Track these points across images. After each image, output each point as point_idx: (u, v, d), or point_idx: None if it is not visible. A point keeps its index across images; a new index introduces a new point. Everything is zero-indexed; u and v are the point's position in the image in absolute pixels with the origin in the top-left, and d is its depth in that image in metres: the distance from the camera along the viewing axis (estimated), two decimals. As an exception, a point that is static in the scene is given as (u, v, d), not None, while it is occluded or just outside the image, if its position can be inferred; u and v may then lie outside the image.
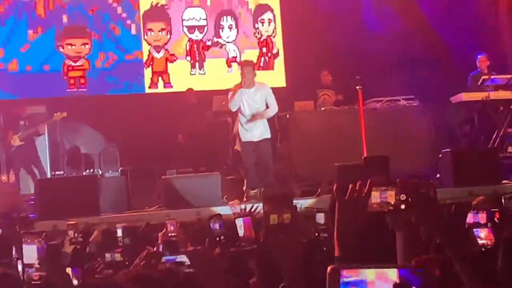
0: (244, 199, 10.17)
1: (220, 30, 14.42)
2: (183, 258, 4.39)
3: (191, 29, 14.15)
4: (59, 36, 12.56)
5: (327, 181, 10.18)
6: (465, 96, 12.04)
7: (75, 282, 4.52)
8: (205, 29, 14.28)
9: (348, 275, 2.11)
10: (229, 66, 14.39)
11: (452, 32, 14.31)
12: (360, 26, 13.99)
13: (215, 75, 14.19)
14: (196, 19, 14.21)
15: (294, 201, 9.02)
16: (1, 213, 9.11)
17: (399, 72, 13.84)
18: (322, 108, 12.08)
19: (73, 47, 12.35)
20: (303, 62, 13.56)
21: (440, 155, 10.99)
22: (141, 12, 13.60)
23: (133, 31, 12.79)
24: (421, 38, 14.01)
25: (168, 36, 13.90)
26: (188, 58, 14.07)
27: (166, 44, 13.92)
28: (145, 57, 13.65)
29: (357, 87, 11.16)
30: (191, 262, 3.87)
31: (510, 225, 5.33)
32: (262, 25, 14.70)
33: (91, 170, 11.96)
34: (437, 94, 12.29)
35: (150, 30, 13.74)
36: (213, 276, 3.42)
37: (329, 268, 2.12)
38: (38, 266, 4.27)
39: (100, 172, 11.71)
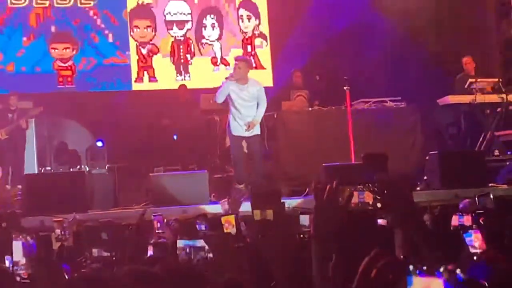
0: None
1: (203, 29, 14.44)
2: (201, 243, 4.39)
3: (172, 24, 14.32)
4: (48, 41, 13.95)
5: (316, 181, 10.18)
6: (451, 99, 12.06)
7: (65, 277, 4.54)
8: (189, 24, 14.33)
9: None
10: (215, 65, 14.40)
11: (438, 33, 14.36)
12: (348, 26, 13.97)
13: (201, 75, 14.25)
14: (180, 13, 14.34)
15: (282, 199, 9.11)
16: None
17: (386, 73, 13.91)
18: (310, 109, 12.09)
19: (56, 50, 13.87)
20: (290, 62, 13.56)
21: (427, 157, 10.98)
22: (128, 10, 14.15)
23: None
24: (409, 40, 14.02)
25: (153, 33, 14.32)
26: (172, 59, 14.25)
27: (151, 40, 14.28)
28: (132, 54, 14.06)
29: (345, 88, 11.20)
30: (209, 247, 3.87)
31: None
32: (242, 22, 14.67)
33: (78, 167, 11.95)
34: (424, 96, 12.31)
35: (136, 27, 14.20)
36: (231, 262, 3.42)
37: None
38: (25, 263, 4.27)
39: (87, 169, 11.70)
